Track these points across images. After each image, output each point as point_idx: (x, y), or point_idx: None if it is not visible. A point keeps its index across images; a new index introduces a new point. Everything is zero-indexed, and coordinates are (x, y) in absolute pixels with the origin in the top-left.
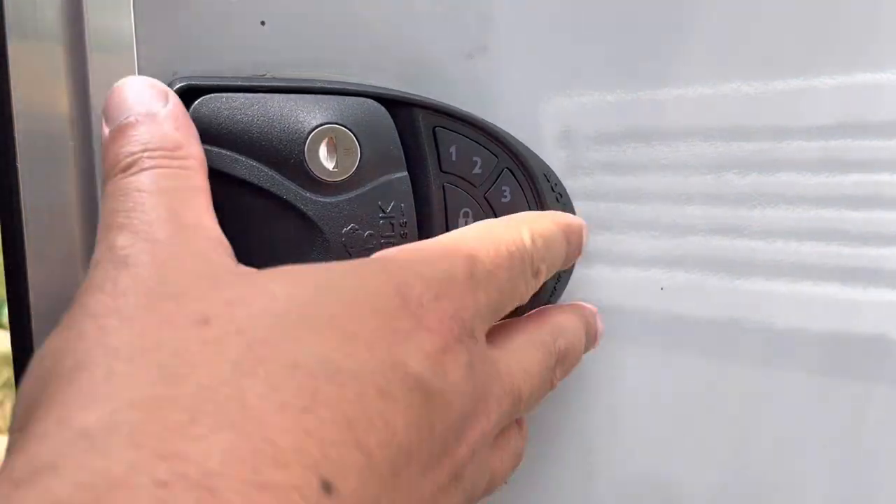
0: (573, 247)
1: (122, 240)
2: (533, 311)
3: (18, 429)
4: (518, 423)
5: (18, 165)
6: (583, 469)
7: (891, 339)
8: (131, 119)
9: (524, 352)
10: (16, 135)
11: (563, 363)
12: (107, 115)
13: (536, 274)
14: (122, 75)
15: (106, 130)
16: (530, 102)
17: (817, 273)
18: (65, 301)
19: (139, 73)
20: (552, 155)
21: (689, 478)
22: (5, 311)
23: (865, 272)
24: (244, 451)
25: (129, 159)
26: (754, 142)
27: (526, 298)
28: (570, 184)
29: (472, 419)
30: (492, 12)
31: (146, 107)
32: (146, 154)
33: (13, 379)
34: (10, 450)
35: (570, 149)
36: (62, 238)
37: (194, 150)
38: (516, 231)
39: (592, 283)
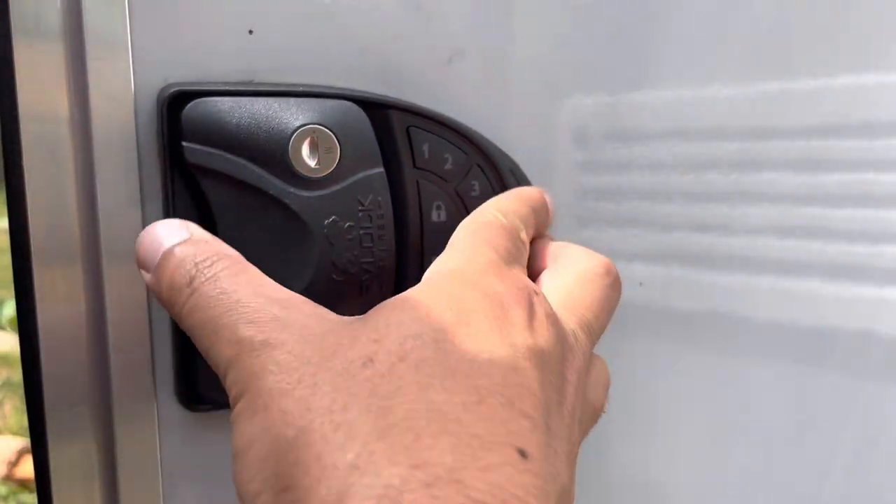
0: (540, 211)
1: (246, 331)
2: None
3: (275, 494)
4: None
5: (24, 166)
6: None
7: (874, 335)
8: (168, 248)
9: (574, 287)
10: (22, 137)
11: (611, 274)
12: (143, 262)
13: (524, 243)
14: (118, 82)
15: (148, 275)
16: (506, 104)
17: (800, 269)
18: (67, 299)
19: (135, 79)
20: (529, 154)
21: (669, 468)
22: (5, 311)
23: (849, 269)
24: (462, 446)
25: (189, 274)
26: (736, 142)
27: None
28: (548, 182)
29: (565, 360)
30: (470, 19)
31: (176, 238)
32: (201, 264)
33: (12, 379)
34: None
35: (548, 148)
36: (63, 238)
37: (234, 254)
38: (493, 216)
39: None
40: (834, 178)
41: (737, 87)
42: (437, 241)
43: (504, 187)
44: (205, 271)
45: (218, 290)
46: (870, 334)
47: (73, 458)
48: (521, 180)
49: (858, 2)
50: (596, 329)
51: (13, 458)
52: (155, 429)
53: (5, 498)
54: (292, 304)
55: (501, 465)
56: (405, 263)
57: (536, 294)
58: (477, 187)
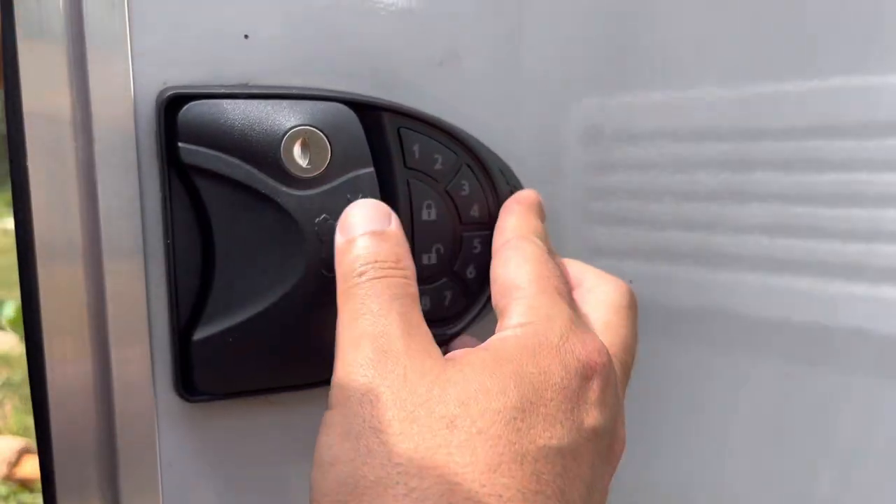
0: (544, 216)
1: (366, 345)
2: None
3: None
4: None
5: (28, 166)
6: None
7: (866, 332)
8: (366, 232)
9: (618, 327)
10: (26, 137)
11: (635, 303)
12: (343, 227)
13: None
14: (119, 85)
15: (341, 239)
16: (498, 105)
17: (793, 267)
18: (69, 294)
19: (134, 82)
20: (520, 154)
21: (658, 464)
22: (5, 311)
23: (842, 268)
24: None
25: (362, 267)
26: (726, 143)
27: None
28: (541, 181)
29: (615, 429)
30: (463, 23)
31: (376, 224)
32: (377, 264)
33: (12, 379)
34: None
35: (539, 148)
36: (66, 235)
37: (410, 263)
38: (533, 243)
39: None
40: (826, 178)
41: (727, 89)
42: (427, 239)
43: (494, 187)
44: (377, 272)
45: (374, 293)
46: (862, 332)
47: (73, 444)
48: (511, 180)
49: (849, 4)
50: (630, 367)
51: (13, 459)
52: (154, 418)
53: (5, 498)
54: (417, 334)
55: None
56: None
57: (607, 354)
58: (467, 187)
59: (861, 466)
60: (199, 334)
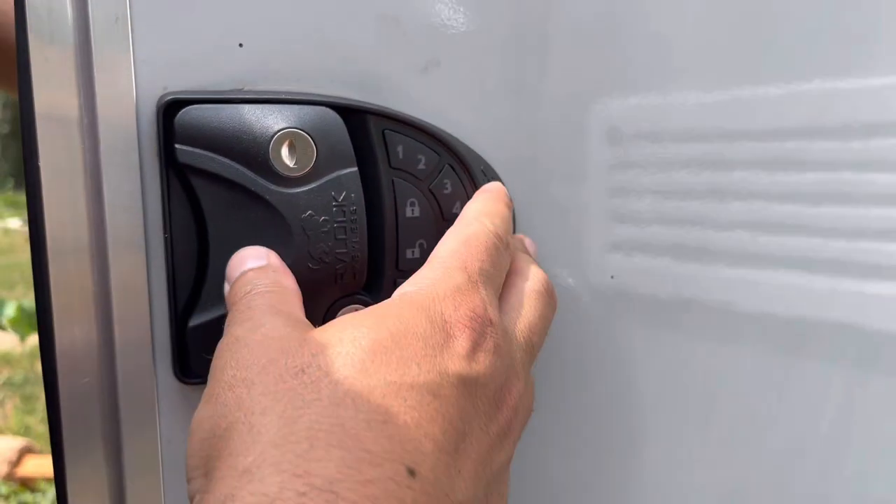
0: (510, 205)
1: (239, 330)
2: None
3: (203, 475)
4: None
5: (41, 166)
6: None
7: (850, 326)
8: (244, 271)
9: (524, 307)
10: (38, 138)
11: (550, 292)
12: (228, 276)
13: (507, 245)
14: (123, 90)
15: (227, 287)
16: (478, 108)
17: (777, 263)
18: (78, 284)
19: (137, 88)
20: (501, 154)
21: (644, 453)
22: (5, 311)
23: (827, 264)
24: (351, 461)
25: (245, 290)
26: (706, 143)
27: (508, 266)
28: (522, 180)
29: (508, 385)
30: (444, 31)
31: (252, 263)
32: (257, 288)
33: (13, 378)
34: (203, 490)
35: (518, 148)
36: (74, 230)
37: (291, 286)
38: (480, 224)
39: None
40: (810, 178)
41: (708, 92)
42: (410, 235)
43: (475, 186)
44: (254, 291)
45: (246, 303)
46: (847, 327)
47: (81, 421)
48: (493, 180)
49: (831, 7)
50: (537, 349)
51: (14, 458)
52: (154, 398)
53: (6, 497)
54: (283, 315)
55: (383, 480)
56: (381, 255)
57: (491, 324)
58: (449, 185)
59: (842, 460)
60: (195, 321)
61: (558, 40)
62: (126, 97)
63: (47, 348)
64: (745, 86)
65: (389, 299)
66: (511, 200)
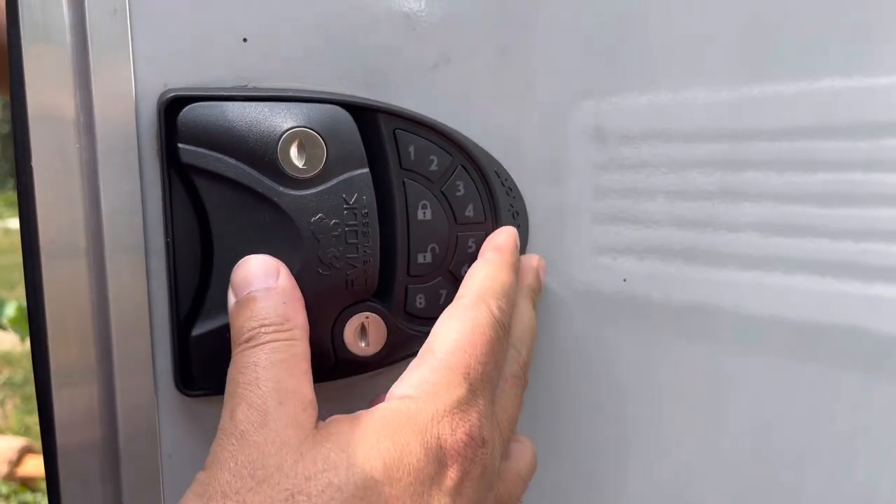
0: (517, 264)
1: (241, 413)
2: None
3: None
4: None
5: (34, 165)
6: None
7: (860, 329)
8: (252, 293)
9: (506, 398)
10: (31, 137)
11: (524, 375)
12: (234, 287)
13: (508, 332)
14: (121, 87)
15: (232, 300)
16: (488, 107)
17: (786, 266)
18: (73, 291)
19: (136, 84)
20: (514, 154)
21: (656, 460)
22: (5, 311)
23: (835, 266)
24: None
25: (249, 333)
26: (717, 143)
27: (506, 357)
28: (534, 181)
29: (488, 497)
30: (455, 28)
31: (262, 282)
32: (263, 329)
33: (13, 378)
34: None
35: (530, 149)
36: (70, 233)
37: (300, 320)
38: (486, 311)
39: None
40: (818, 178)
41: (720, 90)
42: (422, 239)
43: (489, 188)
44: (261, 338)
45: (253, 362)
46: (855, 330)
47: (77, 436)
48: (506, 181)
49: (842, 5)
50: (512, 431)
51: (14, 458)
52: (154, 411)
53: (6, 497)
54: (289, 403)
55: None
56: (392, 260)
57: (483, 445)
58: (461, 187)
59: (852, 463)
60: (198, 330)
61: (567, 36)
62: (125, 94)
63: (40, 358)
64: (753, 84)
65: (387, 405)
66: (518, 251)
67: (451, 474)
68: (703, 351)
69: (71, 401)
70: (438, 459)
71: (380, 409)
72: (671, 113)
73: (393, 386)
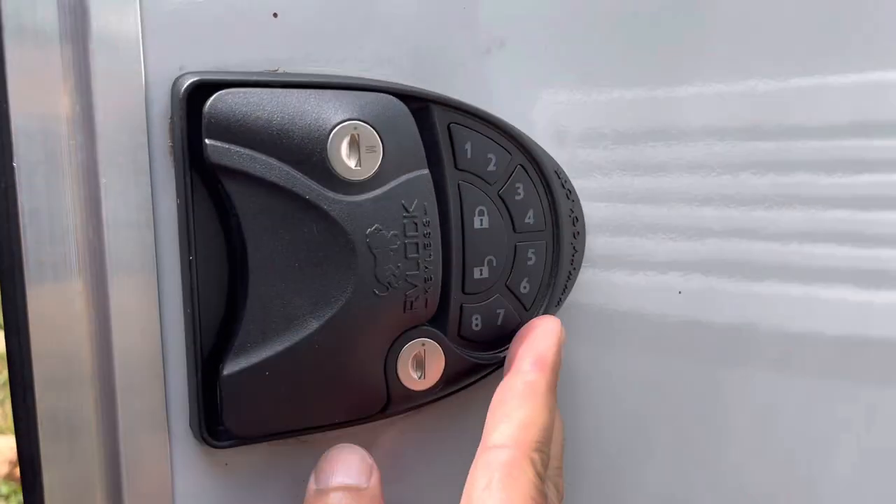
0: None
1: None
2: None
3: None
4: None
5: (15, 165)
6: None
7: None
8: (339, 486)
9: None
10: (12, 135)
11: None
12: (318, 472)
13: (544, 480)
14: (126, 71)
15: (313, 487)
16: (547, 99)
17: (830, 275)
18: (67, 321)
19: (146, 68)
20: (568, 153)
21: (703, 480)
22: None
23: (878, 274)
24: None
25: None
26: (769, 141)
27: None
28: (586, 184)
29: None
30: (511, 6)
31: (354, 478)
32: None
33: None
34: None
35: (587, 148)
36: (61, 251)
37: None
38: (531, 473)
39: (610, 287)
40: (863, 179)
41: (769, 83)
42: (479, 250)
43: (549, 190)
44: None
45: None
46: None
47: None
48: (566, 183)
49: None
50: None
51: (14, 458)
52: (167, 467)
53: (7, 497)
54: None
55: None
56: (447, 276)
57: None
58: (521, 190)
59: (867, 481)
60: (230, 368)
61: (633, 26)
62: (132, 80)
63: (24, 404)
64: (805, 78)
65: None
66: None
67: None
68: (758, 370)
69: (64, 456)
70: None
71: None
72: (722, 108)
73: None
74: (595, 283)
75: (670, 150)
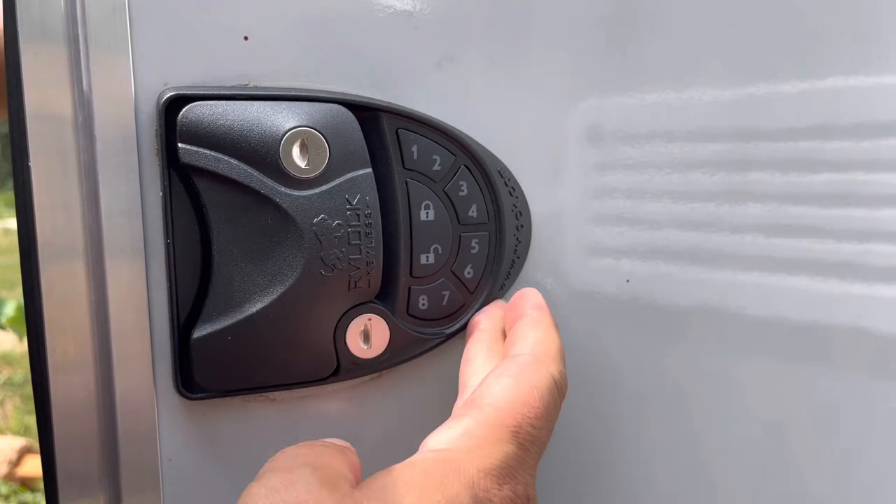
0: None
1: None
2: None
3: None
4: None
5: (31, 166)
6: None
7: (865, 331)
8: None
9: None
10: (29, 137)
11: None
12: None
13: (564, 395)
14: (120, 86)
15: None
16: (493, 106)
17: (790, 266)
18: (71, 294)
19: (135, 83)
20: (516, 154)
21: (654, 463)
22: (5, 311)
23: (838, 267)
24: None
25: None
26: (721, 143)
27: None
28: (539, 181)
29: None
30: (459, 27)
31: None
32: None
33: (13, 378)
34: None
35: (535, 150)
36: (67, 234)
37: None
38: (547, 374)
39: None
40: (822, 178)
41: (723, 90)
42: (425, 240)
43: (491, 187)
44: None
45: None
46: (859, 331)
47: (76, 440)
48: (509, 181)
49: (846, 5)
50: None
51: (14, 458)
52: (154, 414)
53: (7, 497)
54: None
55: None
56: (394, 261)
57: (528, 502)
58: (465, 187)
59: (859, 466)
60: (198, 332)
61: (572, 34)
62: (124, 93)
63: (38, 361)
64: (759, 84)
65: (429, 457)
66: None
67: None
68: (705, 352)
69: (69, 399)
70: None
71: (421, 460)
72: (674, 112)
73: (430, 437)
74: (544, 269)
75: (621, 152)
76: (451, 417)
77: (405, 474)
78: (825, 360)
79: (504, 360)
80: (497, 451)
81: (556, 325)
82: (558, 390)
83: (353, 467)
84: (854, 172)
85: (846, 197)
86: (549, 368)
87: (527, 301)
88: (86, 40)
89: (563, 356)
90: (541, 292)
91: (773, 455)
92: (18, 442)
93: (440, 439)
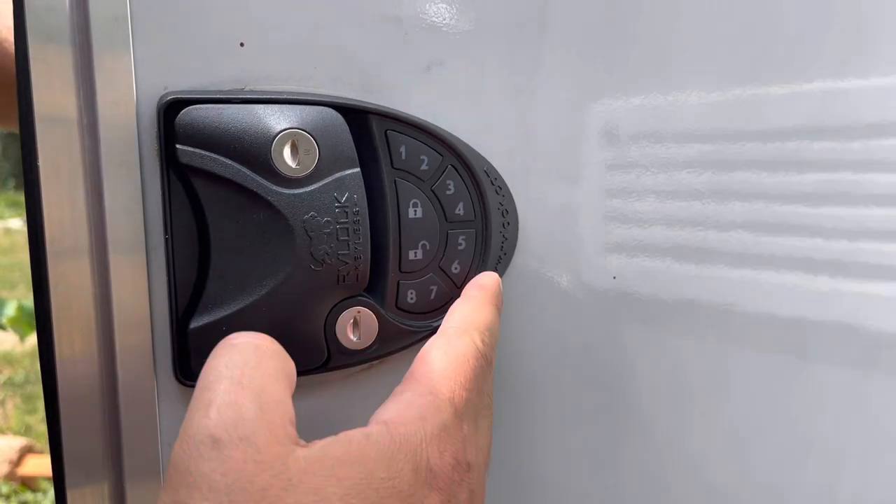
0: (501, 306)
1: (213, 426)
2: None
3: None
4: None
5: (40, 165)
6: (530, 443)
7: (853, 327)
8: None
9: (484, 431)
10: (37, 138)
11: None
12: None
13: (491, 365)
14: (123, 90)
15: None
16: (481, 109)
17: (779, 264)
18: (77, 287)
19: (137, 87)
20: (505, 155)
21: (648, 455)
22: (5, 311)
23: (828, 265)
24: None
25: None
26: (708, 144)
27: (490, 388)
28: (531, 182)
29: None
30: (448, 31)
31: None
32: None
33: (14, 378)
34: None
35: (521, 150)
36: (74, 231)
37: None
38: (470, 342)
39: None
40: (810, 178)
41: (711, 91)
42: (413, 236)
43: (478, 187)
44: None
45: (233, 363)
46: (849, 327)
47: (81, 425)
48: (495, 180)
49: (832, 7)
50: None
51: (15, 457)
52: (154, 401)
53: (7, 497)
54: (268, 415)
55: None
56: (383, 256)
57: (469, 469)
58: (452, 186)
59: (844, 461)
60: (195, 323)
61: (557, 39)
62: (126, 97)
63: (47, 351)
64: (746, 86)
65: (376, 429)
66: (502, 297)
67: (438, 497)
68: (694, 349)
69: (75, 388)
70: (428, 483)
71: (369, 433)
72: (662, 113)
73: (378, 410)
74: (530, 266)
75: (600, 153)
76: (393, 392)
77: (355, 446)
78: (813, 356)
79: (435, 335)
80: (436, 420)
81: (495, 302)
82: (483, 358)
83: (290, 381)
84: (842, 172)
85: (834, 196)
86: (472, 337)
87: (474, 283)
88: (90, 46)
89: (492, 327)
90: (526, 288)
91: (762, 450)
92: (19, 442)
93: (387, 413)
